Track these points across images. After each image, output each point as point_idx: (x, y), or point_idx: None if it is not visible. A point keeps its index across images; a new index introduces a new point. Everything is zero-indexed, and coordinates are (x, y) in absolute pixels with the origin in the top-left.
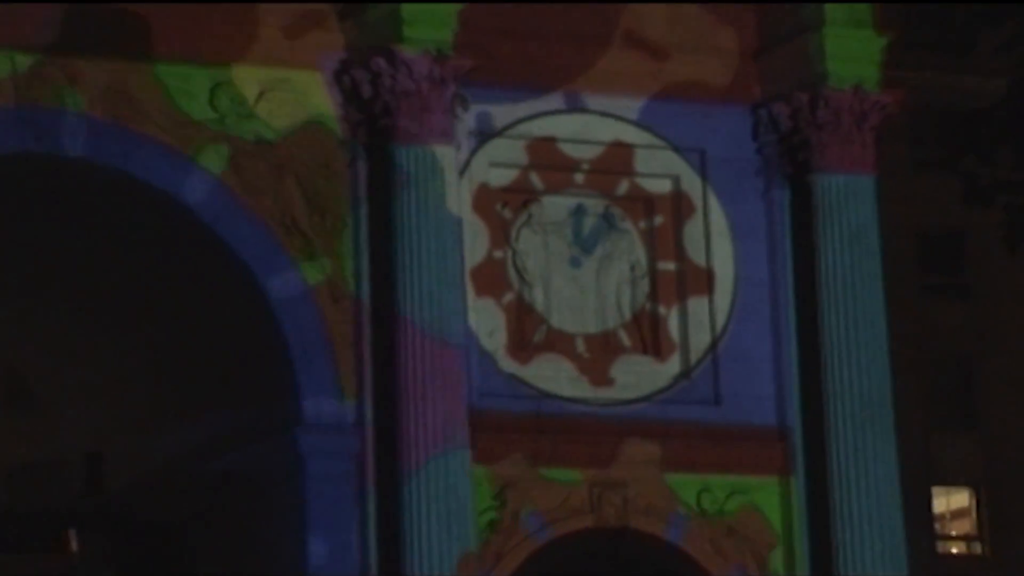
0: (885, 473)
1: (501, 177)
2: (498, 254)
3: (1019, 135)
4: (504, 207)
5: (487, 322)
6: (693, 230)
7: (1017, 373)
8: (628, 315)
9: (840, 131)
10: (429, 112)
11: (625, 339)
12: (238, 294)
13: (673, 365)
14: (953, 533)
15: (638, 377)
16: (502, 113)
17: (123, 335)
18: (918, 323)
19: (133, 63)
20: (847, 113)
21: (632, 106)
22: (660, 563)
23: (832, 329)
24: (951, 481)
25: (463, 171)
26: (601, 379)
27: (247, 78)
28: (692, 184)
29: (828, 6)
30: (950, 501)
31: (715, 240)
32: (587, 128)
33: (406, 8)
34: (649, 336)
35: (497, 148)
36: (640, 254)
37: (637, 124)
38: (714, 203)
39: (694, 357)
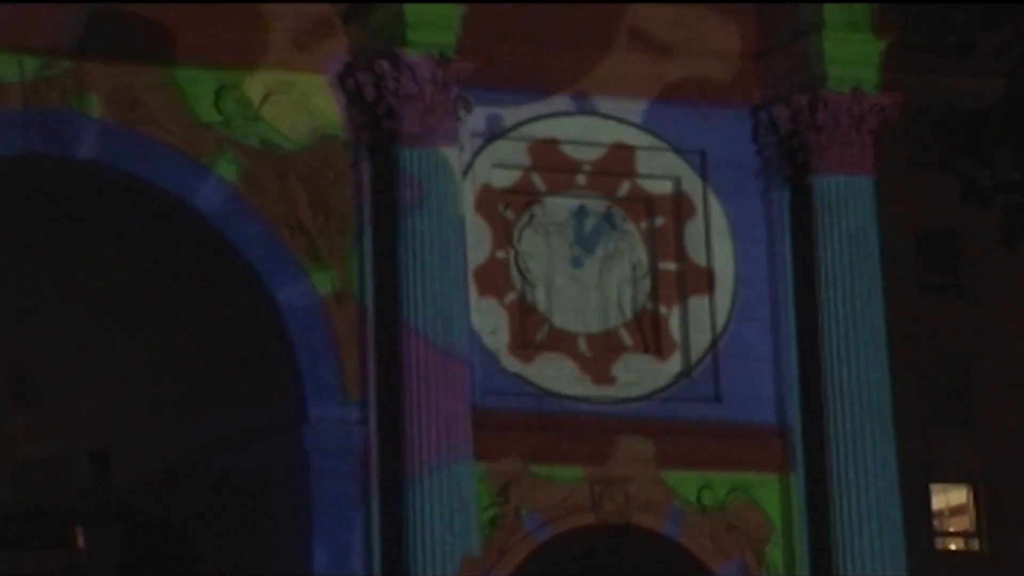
0: (884, 470)
1: (504, 178)
2: (501, 254)
3: (1017, 136)
4: (507, 208)
5: (490, 322)
6: (694, 231)
7: (1015, 372)
8: (629, 314)
9: (839, 133)
10: (432, 114)
11: (626, 338)
12: (243, 294)
13: (674, 364)
14: (951, 530)
15: (639, 376)
16: (505, 115)
17: (129, 335)
18: (917, 322)
19: (141, 66)
20: (846, 115)
21: (633, 108)
22: (661, 559)
23: (831, 328)
24: (949, 478)
25: (466, 172)
26: (603, 378)
27: (252, 81)
28: (693, 185)
29: (827, 9)
30: (948, 498)
31: (715, 240)
32: (589, 130)
33: (410, 12)
34: (650, 335)
35: (500, 150)
36: (641, 254)
37: (638, 126)
38: (714, 204)
39: (695, 356)
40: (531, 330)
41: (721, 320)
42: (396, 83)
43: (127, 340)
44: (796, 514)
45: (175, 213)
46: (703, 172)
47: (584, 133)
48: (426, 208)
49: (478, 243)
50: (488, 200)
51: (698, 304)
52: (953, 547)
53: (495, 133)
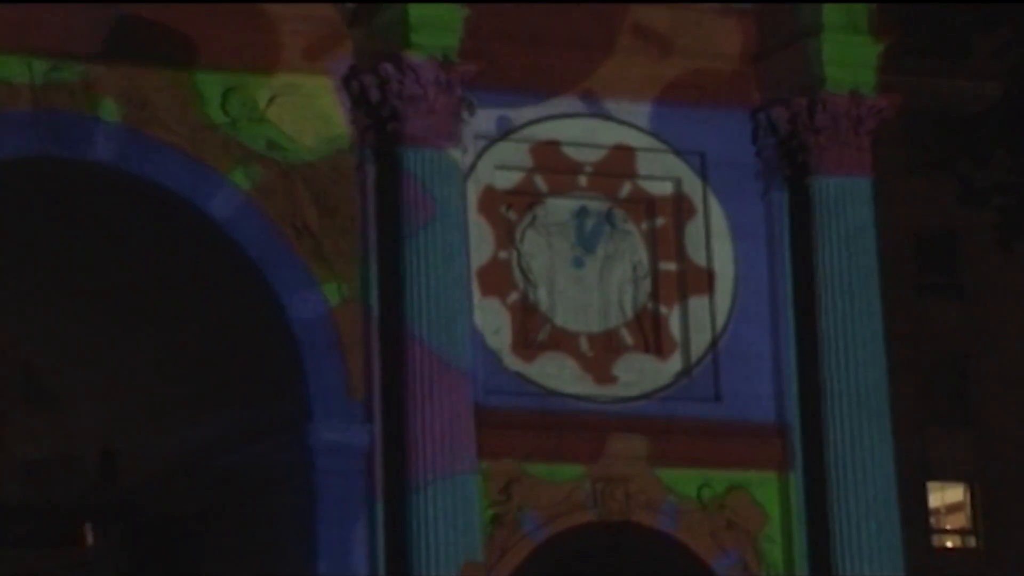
0: (881, 468)
1: (506, 180)
2: (503, 255)
3: (1014, 138)
4: (509, 209)
5: (492, 321)
6: (694, 231)
7: (1011, 371)
8: (630, 314)
9: (838, 135)
10: (436, 116)
11: (627, 338)
12: (249, 295)
13: (674, 363)
14: (948, 527)
15: (640, 375)
16: (507, 117)
17: (135, 335)
18: (914, 322)
19: (149, 68)
20: (844, 117)
21: (634, 110)
22: (661, 557)
23: (830, 328)
24: (946, 476)
25: (469, 174)
26: (604, 377)
27: (258, 84)
28: (693, 186)
29: (826, 12)
30: (945, 496)
31: (715, 241)
32: (590, 132)
33: (414, 15)
34: (651, 335)
35: (502, 151)
36: (642, 255)
37: (639, 128)
38: (714, 205)
39: (695, 355)
40: (533, 330)
41: (721, 320)
42: (400, 85)
43: (134, 340)
44: (795, 511)
45: (182, 215)
46: (703, 173)
47: (585, 135)
48: (430, 209)
49: (481, 244)
50: (491, 201)
51: (698, 304)
52: (950, 544)
53: (497, 135)
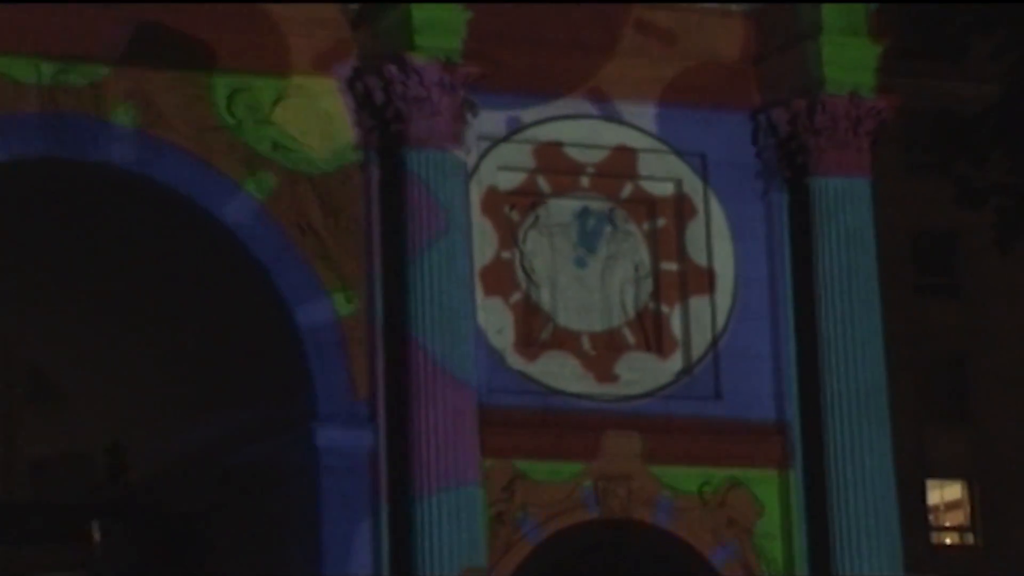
0: (881, 466)
1: (509, 180)
2: (506, 255)
3: (1012, 139)
4: (512, 209)
5: (495, 321)
6: (694, 231)
7: (1009, 370)
8: (632, 314)
9: (837, 136)
10: (439, 117)
11: (629, 337)
12: (256, 296)
13: (675, 362)
14: (947, 524)
15: (642, 374)
16: (510, 118)
17: (143, 333)
18: (913, 322)
19: (157, 71)
20: (843, 118)
21: (636, 111)
22: (662, 554)
23: (829, 327)
24: (944, 474)
25: (472, 174)
26: (606, 375)
27: (264, 85)
28: (694, 187)
29: (825, 14)
30: (943, 493)
31: (716, 241)
32: (592, 133)
33: (417, 17)
34: (652, 334)
35: (505, 152)
36: (643, 255)
37: (640, 129)
38: (715, 205)
39: (696, 354)
40: (536, 329)
41: (721, 319)
42: (404, 87)
43: (142, 339)
44: (795, 509)
45: (189, 216)
46: (704, 174)
47: (587, 136)
48: (433, 209)
49: (484, 244)
50: (494, 202)
51: (699, 303)
52: (948, 541)
53: (506, 135)
